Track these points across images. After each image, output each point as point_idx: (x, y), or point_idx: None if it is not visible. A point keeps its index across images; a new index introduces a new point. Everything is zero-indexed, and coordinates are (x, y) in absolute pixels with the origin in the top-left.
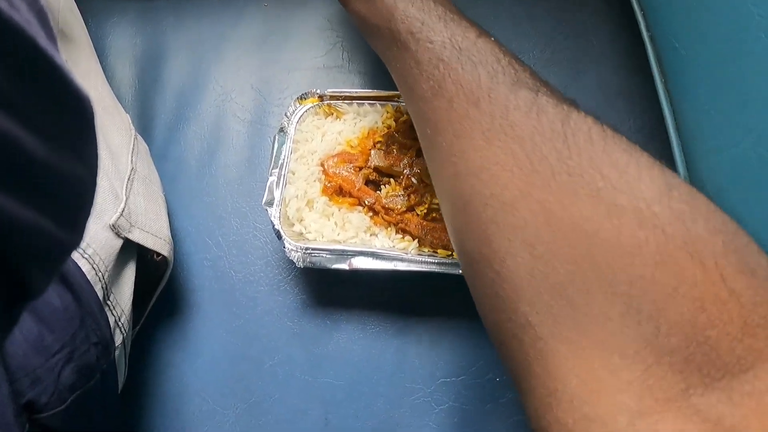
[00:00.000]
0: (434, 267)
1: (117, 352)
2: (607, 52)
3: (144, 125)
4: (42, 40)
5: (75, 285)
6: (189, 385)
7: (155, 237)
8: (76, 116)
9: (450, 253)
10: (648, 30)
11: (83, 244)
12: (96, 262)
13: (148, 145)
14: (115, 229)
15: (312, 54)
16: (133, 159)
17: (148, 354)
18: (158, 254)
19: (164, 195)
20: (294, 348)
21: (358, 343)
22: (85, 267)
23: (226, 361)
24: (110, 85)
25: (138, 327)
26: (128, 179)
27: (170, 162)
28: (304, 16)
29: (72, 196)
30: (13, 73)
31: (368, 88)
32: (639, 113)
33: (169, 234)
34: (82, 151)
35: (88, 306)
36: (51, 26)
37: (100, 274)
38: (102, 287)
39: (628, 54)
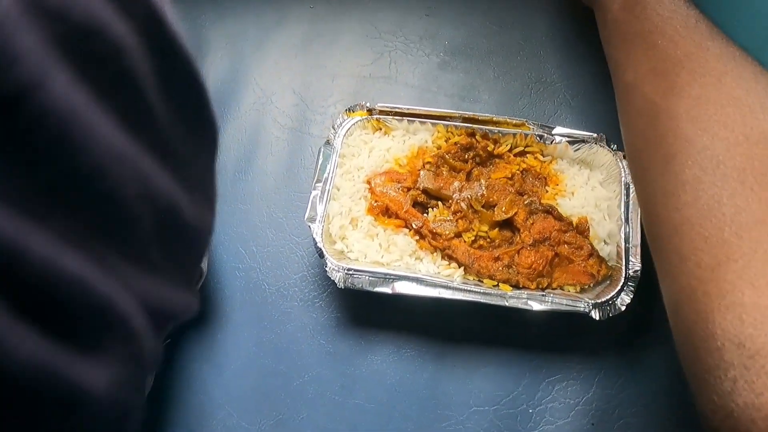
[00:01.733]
0: (479, 297)
1: None
2: None
3: None
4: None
5: None
6: (214, 397)
7: None
8: (211, 147)
9: (495, 283)
10: None
11: None
12: None
13: None
14: None
15: (358, 61)
16: None
17: (172, 363)
18: None
19: None
20: (325, 367)
21: (392, 365)
22: None
23: (253, 375)
24: None
25: (166, 336)
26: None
27: None
28: (352, 21)
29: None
30: (183, 116)
31: (416, 102)
32: None
33: None
34: (209, 187)
35: None
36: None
37: None
38: None
39: None
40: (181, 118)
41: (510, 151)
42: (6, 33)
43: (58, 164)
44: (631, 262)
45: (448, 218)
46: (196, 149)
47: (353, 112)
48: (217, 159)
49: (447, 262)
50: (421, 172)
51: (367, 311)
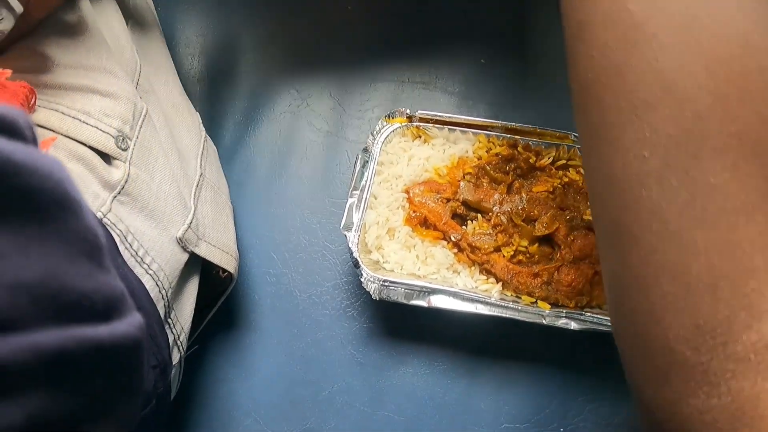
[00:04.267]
0: (517, 314)
1: (173, 372)
2: None
3: (211, 124)
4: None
5: (137, 305)
6: (241, 404)
7: (222, 252)
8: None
9: (534, 300)
10: None
11: (147, 259)
12: (160, 279)
13: (215, 147)
14: (182, 242)
15: (397, 66)
16: (202, 163)
17: (199, 367)
18: (224, 270)
19: (231, 203)
20: (355, 377)
21: (424, 378)
22: (148, 284)
23: (281, 383)
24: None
25: (192, 341)
26: (197, 186)
27: (237, 166)
28: (390, 23)
29: None
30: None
31: (455, 110)
32: None
33: (236, 248)
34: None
35: (149, 327)
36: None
37: (164, 291)
38: (164, 305)
39: None
40: None
41: (552, 164)
42: None
43: None
44: None
45: (488, 231)
46: None
47: (392, 118)
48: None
49: (485, 277)
50: (461, 183)
51: (400, 322)
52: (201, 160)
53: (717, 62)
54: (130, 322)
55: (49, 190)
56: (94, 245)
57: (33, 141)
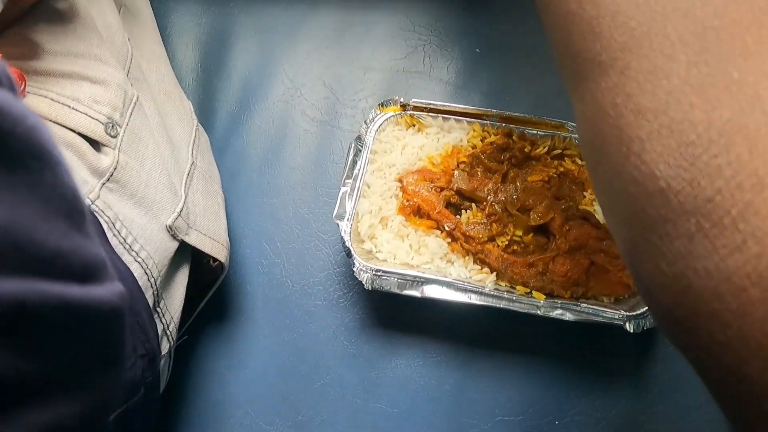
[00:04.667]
0: (511, 305)
1: (162, 362)
2: None
3: (204, 113)
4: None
5: None
6: (232, 395)
7: (213, 240)
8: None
9: (528, 291)
10: None
11: (136, 246)
12: (149, 267)
13: (207, 136)
14: (171, 230)
15: (391, 55)
16: (194, 152)
17: (190, 358)
18: (214, 259)
19: (222, 192)
20: (348, 369)
21: (417, 370)
22: (137, 272)
23: (273, 374)
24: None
25: (183, 331)
26: (188, 174)
27: (230, 156)
28: (386, 13)
29: None
30: None
31: (450, 99)
32: None
33: (227, 237)
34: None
35: (137, 315)
36: None
37: (152, 279)
38: (153, 293)
39: None
40: None
41: (547, 153)
42: None
43: None
44: None
45: (482, 221)
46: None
47: (386, 107)
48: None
49: (479, 267)
50: (456, 172)
51: (393, 313)
52: (192, 149)
53: None
54: (109, 289)
55: (20, 135)
56: (74, 207)
57: (10, 88)
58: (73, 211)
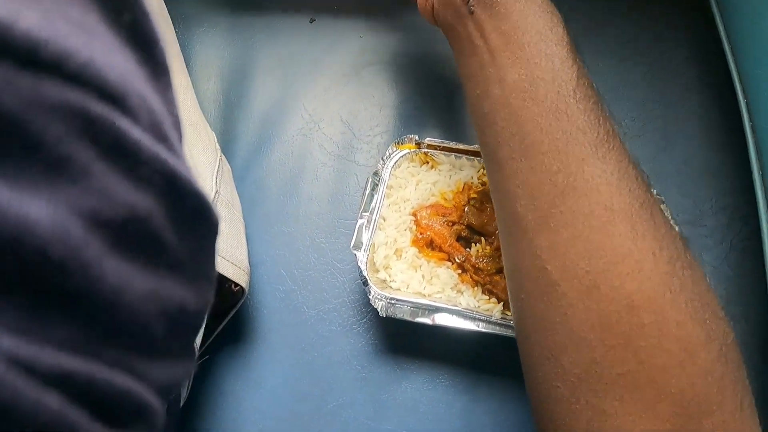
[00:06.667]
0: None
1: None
2: (699, 126)
3: (226, 143)
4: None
5: None
6: (246, 416)
7: (235, 266)
8: (211, 239)
9: None
10: (750, 120)
11: None
12: None
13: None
14: None
15: (405, 93)
16: (218, 181)
17: (206, 378)
18: (236, 284)
19: (243, 220)
20: (359, 392)
21: (427, 394)
22: None
23: (287, 396)
24: None
25: (202, 351)
26: (212, 203)
27: (250, 185)
28: (401, 52)
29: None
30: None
31: (462, 137)
32: (724, 193)
33: (248, 264)
34: (210, 269)
35: None
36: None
37: None
38: None
39: (721, 130)
40: (190, 238)
41: None
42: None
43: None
44: None
45: (491, 254)
46: (200, 246)
47: (402, 144)
48: (216, 240)
49: (487, 297)
50: (466, 208)
51: (405, 339)
52: (216, 178)
53: (609, 320)
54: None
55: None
56: None
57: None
58: None
